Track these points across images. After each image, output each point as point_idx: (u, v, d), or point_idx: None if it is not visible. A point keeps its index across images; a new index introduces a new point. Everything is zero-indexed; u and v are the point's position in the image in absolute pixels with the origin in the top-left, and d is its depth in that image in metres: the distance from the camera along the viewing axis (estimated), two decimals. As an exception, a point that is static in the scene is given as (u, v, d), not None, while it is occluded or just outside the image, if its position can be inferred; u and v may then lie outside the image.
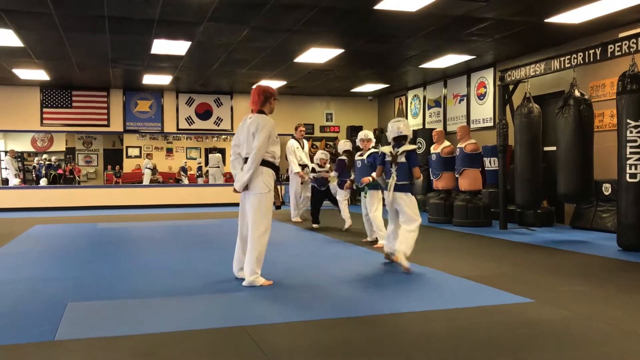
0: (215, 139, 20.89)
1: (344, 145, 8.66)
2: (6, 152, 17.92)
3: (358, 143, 7.48)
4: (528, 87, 8.41)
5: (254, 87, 5.19)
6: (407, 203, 5.66)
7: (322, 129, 15.73)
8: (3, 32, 8.28)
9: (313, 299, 4.49)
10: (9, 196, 13.79)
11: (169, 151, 21.89)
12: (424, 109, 13.77)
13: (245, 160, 5.00)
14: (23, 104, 13.58)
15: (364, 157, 7.31)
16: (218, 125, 15.10)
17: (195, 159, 21.54)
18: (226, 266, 5.47)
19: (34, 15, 7.55)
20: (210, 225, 10.19)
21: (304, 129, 10.42)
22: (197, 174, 20.04)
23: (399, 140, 5.77)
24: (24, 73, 11.75)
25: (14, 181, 16.46)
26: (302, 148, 10.16)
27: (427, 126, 13.49)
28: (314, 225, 9.23)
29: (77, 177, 18.41)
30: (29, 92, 13.58)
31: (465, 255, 6.69)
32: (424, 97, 13.76)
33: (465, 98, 12.20)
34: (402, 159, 5.68)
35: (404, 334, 3.54)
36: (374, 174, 6.59)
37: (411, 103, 14.39)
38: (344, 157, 8.45)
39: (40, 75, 11.99)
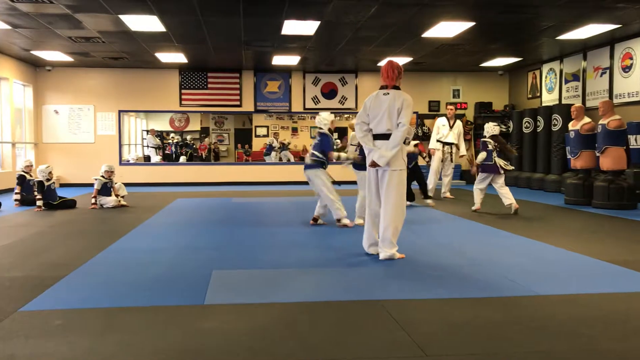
0: (338, 118, 21.07)
1: (492, 129, 8.58)
2: (148, 131, 19.33)
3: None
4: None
5: (385, 62, 5.17)
6: None
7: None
8: (149, 18, 8.90)
9: (447, 277, 4.43)
10: (151, 172, 14.93)
11: (294, 130, 22.41)
12: (561, 83, 12.96)
13: (382, 135, 5.00)
14: (163, 86, 14.57)
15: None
16: (343, 104, 15.24)
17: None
18: (356, 241, 5.55)
19: (176, 1, 8.02)
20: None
21: (452, 107, 10.77)
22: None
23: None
24: (164, 56, 12.57)
25: (155, 158, 17.76)
26: (451, 127, 10.42)
27: (563, 102, 12.72)
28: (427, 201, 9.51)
29: (201, 154, 19.30)
30: (168, 75, 14.52)
31: (608, 238, 6.25)
32: (561, 71, 12.94)
33: (607, 71, 11.31)
34: None
35: (548, 316, 3.39)
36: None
37: (546, 77, 13.60)
38: (488, 140, 8.48)
39: (179, 58, 12.76)
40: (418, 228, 6.93)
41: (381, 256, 5.04)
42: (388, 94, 5.00)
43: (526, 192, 12.05)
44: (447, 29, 9.83)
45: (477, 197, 8.51)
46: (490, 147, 8.37)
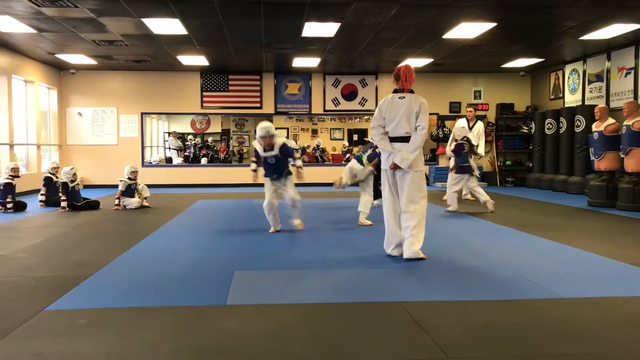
0: (358, 119, 21.10)
1: (461, 131, 8.94)
2: (169, 133, 19.51)
3: (258, 140, 6.62)
4: None
5: (402, 65, 5.21)
6: None
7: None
8: (171, 21, 8.99)
9: (468, 279, 4.41)
10: (173, 173, 15.08)
11: (314, 132, 22.45)
12: (584, 84, 12.80)
13: (401, 138, 5.08)
14: (185, 88, 14.70)
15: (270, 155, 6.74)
16: (363, 106, 15.22)
17: (340, 139, 21.93)
18: (377, 241, 5.55)
19: (198, 4, 8.10)
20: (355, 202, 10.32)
21: (471, 109, 10.83)
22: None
23: None
24: (186, 59, 12.69)
25: (177, 160, 17.92)
26: (471, 128, 10.41)
27: (587, 102, 12.57)
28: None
29: (221, 156, 19.34)
30: (190, 77, 14.65)
31: (632, 241, 6.15)
32: (584, 71, 12.78)
33: (632, 71, 11.14)
34: None
35: (571, 319, 3.36)
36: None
37: (569, 78, 13.45)
38: (464, 142, 8.79)
39: (201, 61, 12.87)
40: (439, 229, 6.90)
41: (406, 254, 5.05)
42: (404, 97, 5.08)
43: (549, 194, 11.92)
44: (468, 30, 9.78)
45: (454, 199, 8.60)
46: (466, 148, 8.68)
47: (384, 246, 5.33)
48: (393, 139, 5.11)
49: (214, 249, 5.75)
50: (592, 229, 7.09)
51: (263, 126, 6.57)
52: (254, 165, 6.94)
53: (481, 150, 10.63)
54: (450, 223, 7.61)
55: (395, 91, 5.16)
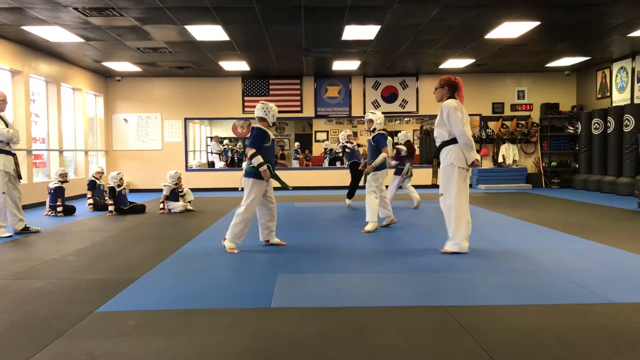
0: (398, 121, 21.02)
1: (405, 135, 9.76)
2: (212, 138, 19.81)
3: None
4: None
5: (458, 78, 5.61)
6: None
7: (513, 107, 14.96)
8: (213, 28, 9.14)
9: (515, 283, 4.33)
10: (215, 177, 15.29)
11: (354, 134, 22.42)
12: (633, 82, 12.42)
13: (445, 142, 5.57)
14: (227, 94, 14.90)
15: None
16: (403, 108, 15.13)
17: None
18: (420, 245, 5.50)
19: (239, 10, 8.21)
20: (399, 204, 10.26)
21: None
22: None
23: None
24: (228, 65, 12.87)
25: (219, 164, 18.19)
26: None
27: (636, 101, 12.18)
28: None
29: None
30: (232, 82, 14.85)
31: (687, 244, 5.95)
32: (633, 69, 12.40)
33: (684, 68, 10.76)
34: None
35: (622, 325, 3.26)
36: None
37: (616, 76, 13.06)
38: (402, 147, 9.45)
39: (242, 66, 13.03)
40: (483, 232, 6.80)
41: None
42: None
43: (596, 196, 11.61)
44: (510, 30, 9.62)
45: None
46: (403, 153, 9.40)
47: (465, 240, 5.46)
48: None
49: (258, 252, 5.80)
50: (644, 231, 6.88)
51: None
52: None
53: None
54: (494, 226, 7.49)
55: (453, 98, 5.53)
